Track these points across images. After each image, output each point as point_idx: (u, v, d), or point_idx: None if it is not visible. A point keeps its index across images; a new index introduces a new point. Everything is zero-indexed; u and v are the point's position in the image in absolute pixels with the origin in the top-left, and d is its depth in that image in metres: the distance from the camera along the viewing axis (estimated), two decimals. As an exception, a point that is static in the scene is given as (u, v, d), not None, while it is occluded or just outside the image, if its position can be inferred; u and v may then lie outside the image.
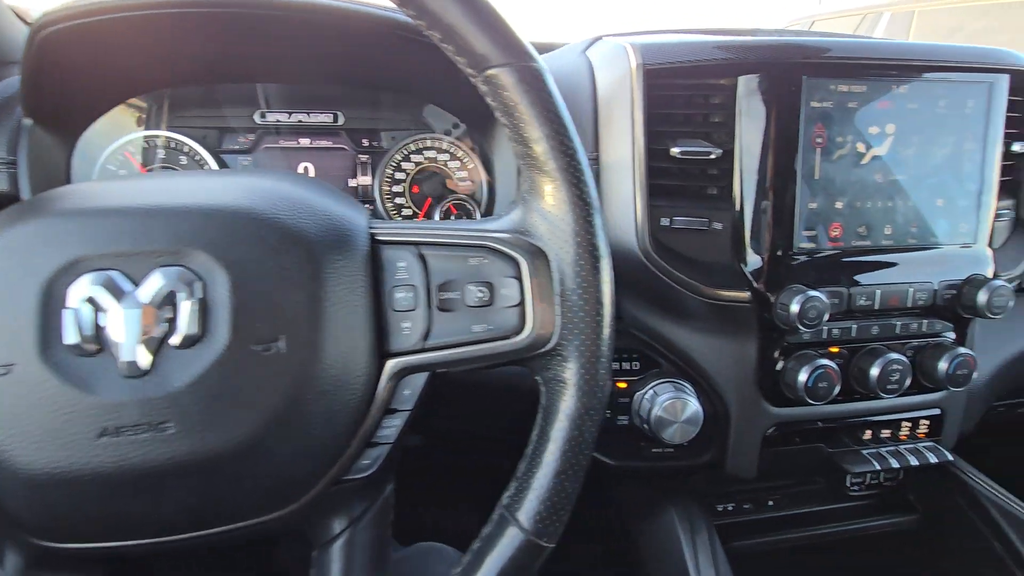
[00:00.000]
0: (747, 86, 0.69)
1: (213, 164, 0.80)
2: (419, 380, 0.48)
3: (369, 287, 0.43)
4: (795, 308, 0.67)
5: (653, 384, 0.75)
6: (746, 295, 0.71)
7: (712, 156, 0.70)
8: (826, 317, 0.68)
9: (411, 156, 0.86)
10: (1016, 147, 0.80)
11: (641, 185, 0.70)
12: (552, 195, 0.41)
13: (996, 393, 0.93)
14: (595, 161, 0.74)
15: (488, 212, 0.88)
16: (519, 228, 0.43)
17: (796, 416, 0.77)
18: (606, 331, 0.41)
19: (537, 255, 0.42)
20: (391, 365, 0.43)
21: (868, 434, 0.80)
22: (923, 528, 0.94)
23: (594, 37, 0.82)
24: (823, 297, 0.67)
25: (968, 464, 0.89)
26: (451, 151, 0.87)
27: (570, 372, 0.41)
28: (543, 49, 0.75)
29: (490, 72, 0.40)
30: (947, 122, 0.72)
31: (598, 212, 0.42)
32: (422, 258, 0.44)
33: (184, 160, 0.80)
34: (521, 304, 0.42)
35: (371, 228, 0.45)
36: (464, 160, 0.87)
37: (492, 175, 0.87)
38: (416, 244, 0.45)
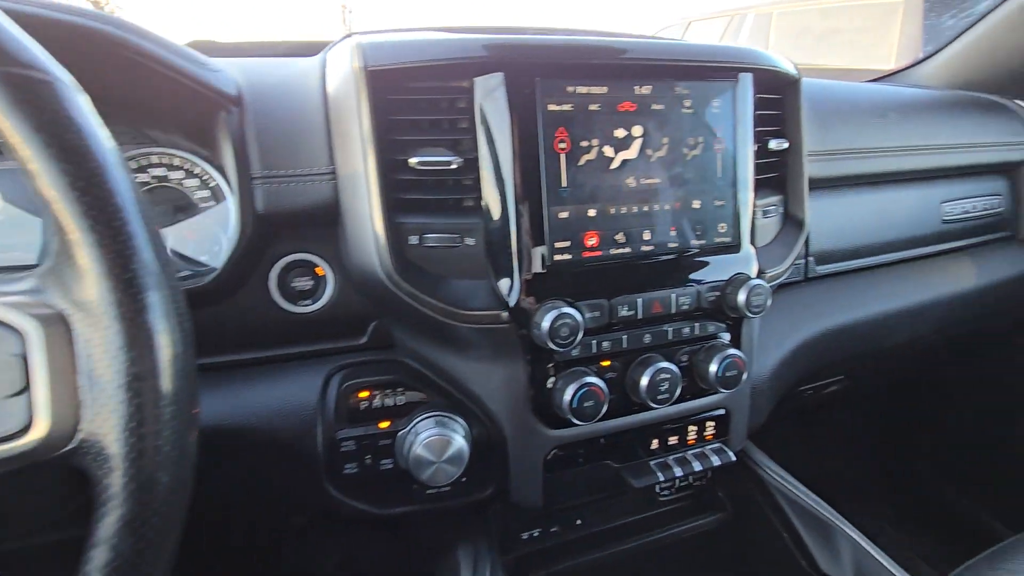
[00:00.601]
0: (483, 88, 0.63)
1: None
2: None
3: None
4: (545, 326, 0.62)
5: (417, 420, 0.68)
6: (504, 315, 0.65)
7: (453, 166, 0.64)
8: (580, 334, 0.64)
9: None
10: (773, 144, 0.81)
11: (378, 200, 0.62)
12: (79, 247, 0.31)
13: (788, 383, 0.96)
14: (332, 175, 0.66)
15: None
16: (34, 288, 0.32)
17: (574, 436, 0.72)
18: (161, 416, 0.32)
19: (53, 323, 0.32)
20: None
21: (656, 443, 0.78)
22: (733, 525, 0.94)
23: (346, 35, 0.73)
24: (575, 314, 0.63)
25: (763, 455, 0.91)
26: (187, 167, 0.74)
27: (108, 479, 0.31)
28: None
29: None
30: (695, 122, 0.70)
31: (147, 270, 0.32)
32: None
33: None
34: (27, 391, 0.32)
35: None
36: (205, 179, 0.75)
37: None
38: None
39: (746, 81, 0.73)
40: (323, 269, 0.70)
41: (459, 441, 0.65)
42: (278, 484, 0.70)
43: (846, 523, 0.80)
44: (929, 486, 1.71)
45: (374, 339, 0.73)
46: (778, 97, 0.83)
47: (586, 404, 0.66)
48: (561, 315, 0.62)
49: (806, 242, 0.98)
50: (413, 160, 0.63)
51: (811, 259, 0.99)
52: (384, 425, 0.69)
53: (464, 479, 0.72)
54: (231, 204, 0.70)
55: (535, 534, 0.86)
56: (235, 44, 1.14)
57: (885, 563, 0.73)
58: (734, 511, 0.95)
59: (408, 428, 0.67)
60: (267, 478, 0.71)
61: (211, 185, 0.75)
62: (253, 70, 0.69)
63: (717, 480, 0.97)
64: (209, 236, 0.74)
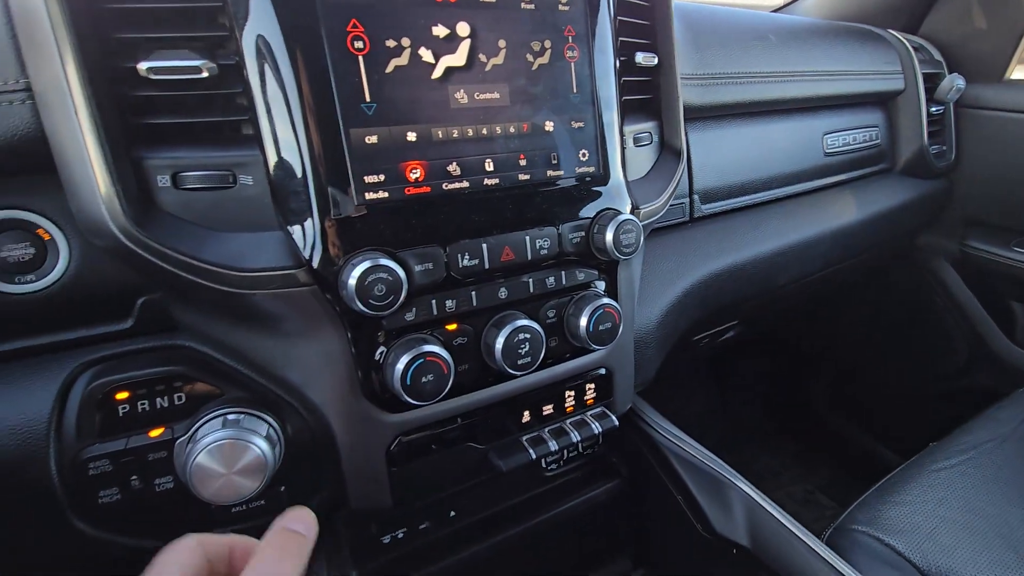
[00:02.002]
0: (237, -36, 0.45)
1: None
2: None
3: None
4: (351, 283, 0.47)
5: (199, 422, 0.51)
6: (302, 275, 0.50)
7: (205, 74, 0.46)
8: (403, 291, 0.50)
9: None
10: (641, 58, 0.70)
11: (90, 125, 0.43)
12: None
13: (677, 332, 0.88)
14: (26, 92, 0.46)
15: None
16: None
17: (421, 420, 0.59)
18: None
19: None
20: None
21: (527, 415, 0.67)
22: (628, 492, 0.86)
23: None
24: (392, 266, 0.49)
25: (654, 412, 0.82)
26: None
27: None
28: None
29: None
30: (538, 21, 0.57)
31: None
32: None
33: None
34: None
35: None
36: None
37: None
38: None
39: (602, -25, 0.60)
40: (48, 231, 0.50)
41: (258, 445, 0.50)
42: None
43: (739, 477, 0.73)
44: (823, 420, 1.77)
45: (143, 321, 0.55)
46: (646, 4, 0.71)
47: (425, 380, 0.53)
48: (373, 268, 0.48)
49: (690, 180, 0.90)
50: (144, 65, 0.45)
51: (696, 198, 0.91)
52: (156, 433, 0.51)
53: (282, 488, 0.57)
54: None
55: (400, 536, 0.73)
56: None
57: (779, 517, 0.67)
58: (629, 476, 0.87)
59: (188, 434, 0.51)
60: None
61: None
62: None
63: (610, 443, 0.88)
64: None
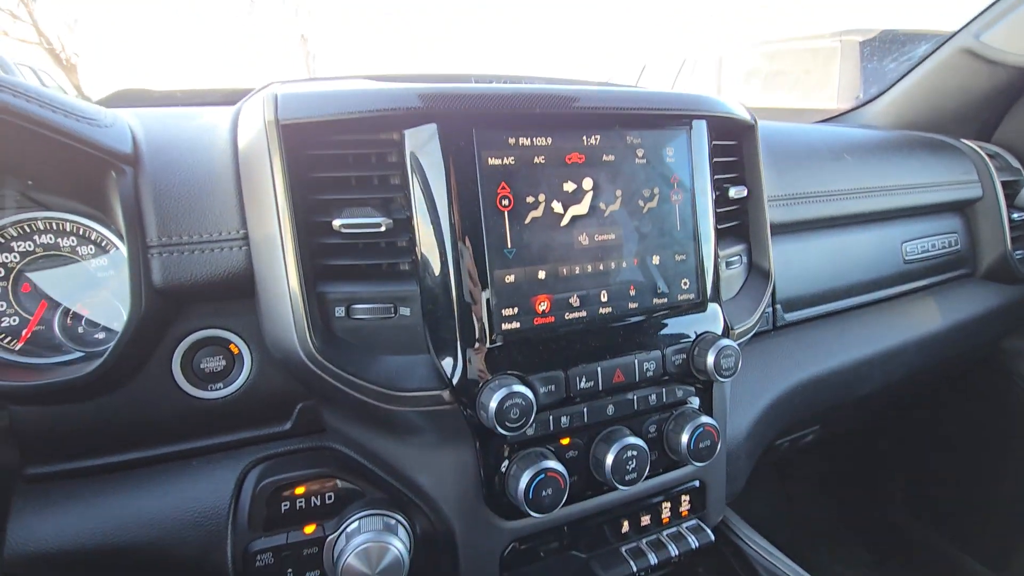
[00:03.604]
0: (415, 142, 0.56)
1: None
2: None
3: None
4: (493, 407, 0.54)
5: (349, 521, 0.58)
6: (446, 395, 0.57)
7: (383, 228, 0.56)
8: (534, 413, 0.56)
9: (13, 243, 0.62)
10: (733, 192, 0.77)
11: (295, 267, 0.54)
12: None
13: (764, 441, 0.89)
14: (244, 241, 0.57)
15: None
16: None
17: (535, 527, 0.64)
18: None
19: None
20: None
21: (626, 525, 0.70)
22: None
23: (265, 84, 0.67)
24: (526, 392, 0.55)
25: (743, 523, 0.83)
26: (81, 232, 0.65)
27: None
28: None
29: None
30: (649, 173, 0.65)
31: None
32: None
33: None
34: None
35: None
36: (104, 244, 0.66)
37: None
38: None
39: (700, 128, 0.69)
40: (238, 346, 0.60)
41: (396, 548, 0.56)
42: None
43: None
44: (905, 528, 1.66)
45: (300, 424, 0.63)
46: (734, 143, 0.79)
47: (544, 493, 0.58)
48: (511, 394, 0.54)
49: (772, 289, 0.94)
50: (337, 222, 0.56)
51: (779, 307, 0.95)
52: (310, 530, 0.58)
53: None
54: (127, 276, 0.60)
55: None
56: (165, 93, 1.06)
57: None
58: (716, 587, 0.86)
59: (339, 531, 0.57)
60: None
61: (110, 252, 0.66)
62: (157, 123, 0.62)
63: (697, 553, 0.88)
64: (110, 310, 0.64)
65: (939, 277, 1.19)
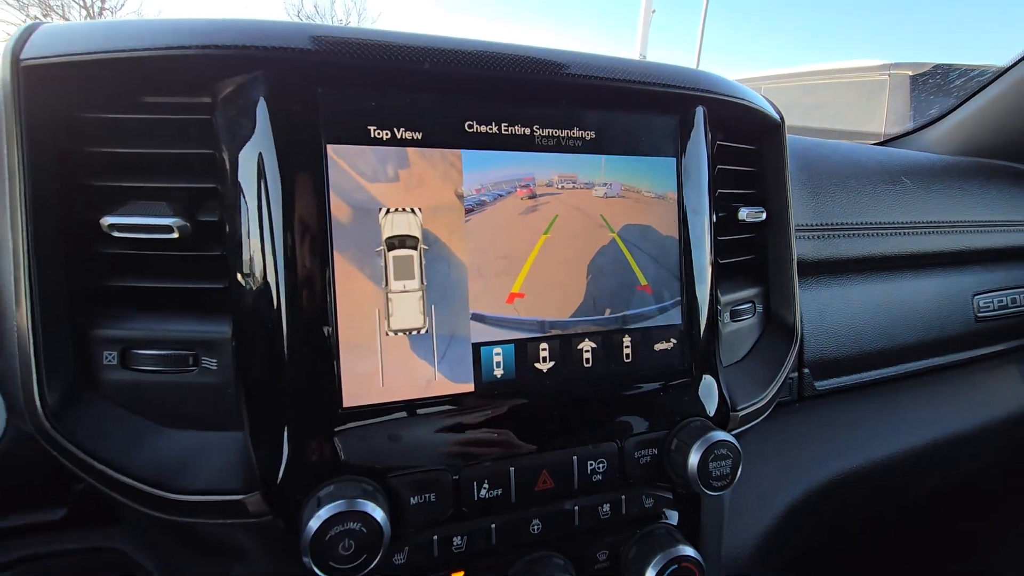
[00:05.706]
0: (230, 106, 0.36)
1: None
2: None
3: None
4: (310, 534, 0.33)
5: None
6: (254, 502, 0.36)
7: (176, 234, 0.36)
8: (381, 549, 0.34)
9: None
10: (745, 214, 0.55)
11: (28, 287, 0.34)
12: None
13: (781, 559, 0.65)
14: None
15: None
16: None
17: None
18: None
19: None
20: None
21: None
22: None
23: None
24: (372, 511, 0.34)
25: None
26: None
27: None
28: None
29: None
30: (610, 176, 0.44)
31: None
32: None
33: None
34: None
35: None
36: None
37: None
38: None
39: (698, 117, 0.48)
40: None
41: None
42: None
43: None
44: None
45: (79, 512, 0.43)
46: (752, 148, 0.58)
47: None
48: (341, 515, 0.33)
49: (800, 349, 0.71)
50: (107, 221, 0.36)
51: (806, 372, 0.71)
52: None
53: None
54: None
55: None
56: None
57: None
58: None
59: None
60: None
61: None
62: None
63: None
64: None
65: (1021, 340, 0.93)
